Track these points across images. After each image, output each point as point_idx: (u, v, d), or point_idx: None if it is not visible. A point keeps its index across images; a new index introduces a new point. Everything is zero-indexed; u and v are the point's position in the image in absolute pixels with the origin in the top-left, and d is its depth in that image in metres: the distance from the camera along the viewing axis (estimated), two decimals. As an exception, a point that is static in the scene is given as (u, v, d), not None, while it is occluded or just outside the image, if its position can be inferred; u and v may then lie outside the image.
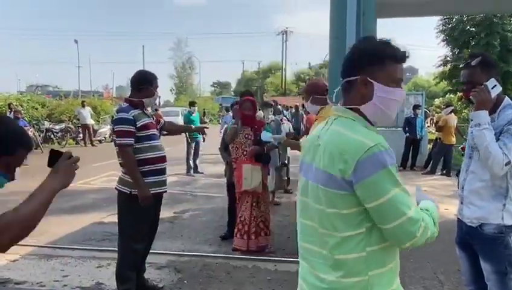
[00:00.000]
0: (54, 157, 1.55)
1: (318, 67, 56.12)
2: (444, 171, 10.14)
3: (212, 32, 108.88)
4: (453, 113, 10.44)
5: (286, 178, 7.78)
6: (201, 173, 10.12)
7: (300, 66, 60.26)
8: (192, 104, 10.65)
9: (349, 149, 1.30)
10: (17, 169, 1.55)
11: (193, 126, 7.15)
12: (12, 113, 12.83)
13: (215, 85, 71.63)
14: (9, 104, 15.32)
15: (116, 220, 3.40)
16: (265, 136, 4.54)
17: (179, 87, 60.02)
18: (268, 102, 7.63)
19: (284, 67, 49.69)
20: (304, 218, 1.52)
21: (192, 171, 9.99)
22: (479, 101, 2.20)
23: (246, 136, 4.66)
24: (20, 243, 3.83)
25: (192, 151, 10.00)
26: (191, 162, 10.03)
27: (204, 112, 18.34)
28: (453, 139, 10.04)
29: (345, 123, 1.39)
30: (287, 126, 7.51)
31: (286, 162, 7.43)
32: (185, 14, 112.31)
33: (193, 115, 10.21)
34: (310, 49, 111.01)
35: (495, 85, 2.18)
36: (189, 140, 9.90)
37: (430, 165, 10.44)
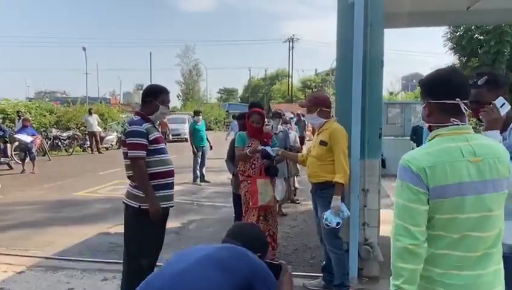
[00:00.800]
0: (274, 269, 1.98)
1: (325, 74, 56.11)
2: None
3: (219, 39, 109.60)
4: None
5: (293, 188, 7.72)
6: (208, 181, 10.07)
7: (307, 73, 60.26)
8: (197, 113, 10.48)
9: (503, 153, 1.67)
10: None
11: None
12: (21, 120, 12.93)
13: (222, 92, 71.90)
14: (17, 112, 15.46)
15: (122, 231, 3.38)
16: (269, 150, 4.47)
17: (185, 94, 60.31)
18: (278, 112, 7.57)
19: (290, 74, 49.74)
20: (484, 232, 1.63)
21: (198, 180, 9.93)
22: (490, 120, 2.16)
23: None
24: (27, 254, 3.82)
25: (199, 160, 9.96)
26: (198, 171, 9.98)
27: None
28: None
29: (481, 136, 1.77)
30: (293, 136, 7.49)
31: (292, 173, 7.35)
32: (192, 21, 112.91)
33: (198, 124, 10.07)
34: (317, 57, 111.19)
35: (503, 103, 2.16)
36: (195, 150, 9.90)
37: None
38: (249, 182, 4.46)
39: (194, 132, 10.02)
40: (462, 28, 17.36)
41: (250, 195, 4.41)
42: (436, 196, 1.56)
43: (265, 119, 5.23)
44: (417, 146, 10.58)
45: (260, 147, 4.39)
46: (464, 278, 1.59)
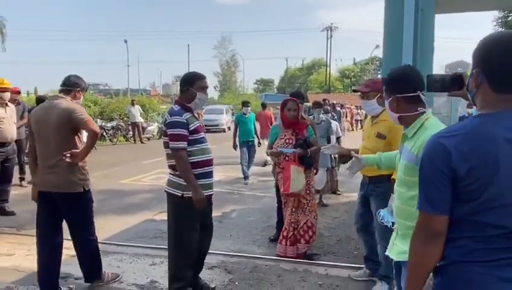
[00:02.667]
0: None
1: (364, 63, 54.85)
2: None
3: (256, 29, 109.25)
4: None
5: (336, 179, 7.62)
6: (246, 183, 8.76)
7: (345, 63, 59.19)
8: (245, 104, 9.47)
9: None
10: None
11: None
12: None
13: (258, 82, 71.95)
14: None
15: (166, 218, 3.46)
16: (281, 150, 4.37)
17: (223, 85, 60.84)
18: (319, 102, 7.42)
19: (328, 63, 48.99)
20: None
21: (247, 179, 8.85)
22: None
23: (287, 140, 4.43)
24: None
25: (246, 157, 8.85)
26: (245, 168, 8.85)
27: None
28: None
29: None
30: (334, 126, 7.32)
31: (334, 164, 7.24)
32: (229, 12, 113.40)
33: (246, 116, 9.10)
34: (355, 45, 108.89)
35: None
36: (236, 143, 8.95)
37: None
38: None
39: (240, 124, 8.99)
40: (514, 12, 16.43)
41: (282, 181, 4.35)
42: None
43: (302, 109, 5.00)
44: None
45: (279, 149, 4.33)
46: None
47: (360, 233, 3.82)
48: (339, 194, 7.59)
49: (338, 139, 7.39)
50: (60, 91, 3.59)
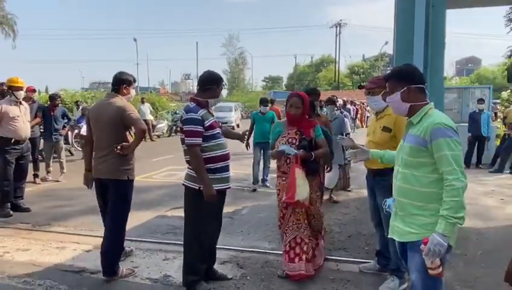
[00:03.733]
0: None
1: (373, 59, 54.46)
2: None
3: (264, 27, 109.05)
4: None
5: (348, 177, 7.57)
6: (268, 186, 8.05)
7: (354, 59, 58.83)
8: (263, 102, 8.32)
9: None
10: None
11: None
12: (80, 109, 13.65)
13: (267, 80, 71.86)
14: (76, 101, 16.28)
15: (178, 214, 3.54)
16: (287, 149, 3.66)
17: (231, 82, 60.83)
18: (332, 98, 7.10)
19: (337, 60, 48.75)
20: None
21: (255, 182, 8.08)
22: None
23: (290, 140, 3.77)
24: (93, 234, 4.08)
25: (259, 159, 8.06)
26: (258, 172, 8.10)
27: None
28: None
29: None
30: (347, 122, 7.29)
31: (347, 161, 7.20)
32: (238, 10, 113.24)
33: (263, 114, 8.18)
34: (364, 42, 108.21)
35: None
36: (248, 143, 7.75)
37: (497, 163, 9.81)
38: (283, 179, 3.79)
39: (256, 123, 8.08)
40: (526, 6, 16.20)
41: (285, 189, 3.66)
42: None
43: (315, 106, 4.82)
44: (473, 135, 9.99)
45: (281, 148, 3.67)
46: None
47: (377, 227, 3.85)
48: (349, 191, 7.59)
49: (347, 135, 7.35)
50: (112, 90, 3.93)
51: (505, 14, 17.20)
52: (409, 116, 2.39)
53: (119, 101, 3.79)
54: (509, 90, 20.87)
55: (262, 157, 8.09)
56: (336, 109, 7.26)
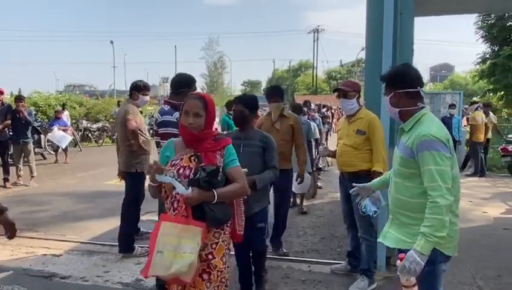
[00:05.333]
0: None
1: (350, 65, 55.31)
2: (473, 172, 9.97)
3: (244, 31, 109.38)
4: (480, 110, 10.17)
5: (317, 184, 7.35)
6: None
7: (332, 65, 59.62)
8: (230, 105, 8.01)
9: None
10: None
11: None
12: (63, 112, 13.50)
13: (246, 84, 72.01)
14: (63, 104, 15.87)
15: (152, 218, 3.52)
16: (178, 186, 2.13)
17: (210, 86, 60.65)
18: (299, 105, 6.75)
19: (315, 65, 49.30)
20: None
21: None
22: None
23: (182, 169, 2.23)
24: (63, 239, 4.03)
25: None
26: None
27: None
28: (481, 137, 9.82)
29: None
30: (312, 127, 6.90)
31: (321, 166, 7.15)
32: (217, 14, 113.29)
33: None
34: (342, 47, 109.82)
35: None
36: None
37: (468, 166, 10.21)
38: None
39: (228, 128, 7.86)
40: (493, 16, 16.79)
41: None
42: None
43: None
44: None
45: (160, 179, 2.15)
46: (456, 214, 2.16)
47: (349, 229, 3.93)
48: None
49: (316, 141, 7.12)
50: (128, 96, 4.73)
51: (474, 22, 17.76)
52: (403, 122, 2.26)
53: (127, 105, 4.53)
54: (479, 97, 21.57)
55: None
56: (302, 114, 7.01)
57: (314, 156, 6.73)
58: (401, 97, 2.23)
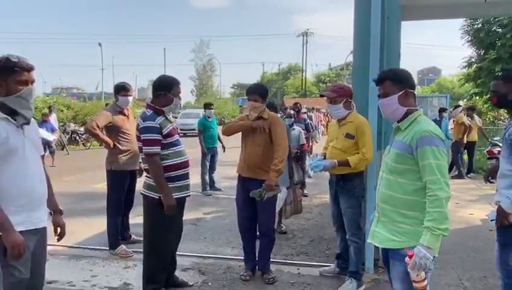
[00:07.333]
0: None
1: (339, 68, 55.67)
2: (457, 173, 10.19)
3: (233, 34, 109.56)
4: (461, 112, 10.48)
5: (300, 199, 5.56)
6: (220, 189, 8.26)
7: (321, 68, 59.94)
8: (208, 106, 8.30)
9: None
10: None
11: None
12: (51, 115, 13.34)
13: (235, 87, 71.98)
14: (49, 107, 15.71)
15: (139, 221, 3.48)
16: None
17: (199, 89, 60.60)
18: (272, 103, 5.96)
19: (304, 68, 49.52)
20: None
21: (208, 188, 8.14)
22: None
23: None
24: (49, 242, 3.98)
25: (208, 164, 8.15)
26: (207, 178, 8.16)
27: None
28: (459, 137, 10.15)
29: None
30: (297, 132, 6.74)
31: (304, 179, 6.72)
32: (206, 17, 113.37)
33: (209, 119, 8.17)
34: (331, 51, 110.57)
35: None
36: (204, 150, 8.01)
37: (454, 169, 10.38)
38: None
39: (204, 129, 8.06)
40: (479, 20, 17.03)
41: None
42: None
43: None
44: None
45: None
46: None
47: (338, 231, 3.95)
48: (307, 196, 7.59)
49: (301, 146, 6.86)
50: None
51: (460, 27, 17.99)
52: (398, 122, 2.30)
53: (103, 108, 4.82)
54: (465, 100, 21.87)
55: (210, 161, 8.17)
56: (289, 117, 6.92)
57: (293, 168, 5.29)
58: (409, 96, 2.28)
